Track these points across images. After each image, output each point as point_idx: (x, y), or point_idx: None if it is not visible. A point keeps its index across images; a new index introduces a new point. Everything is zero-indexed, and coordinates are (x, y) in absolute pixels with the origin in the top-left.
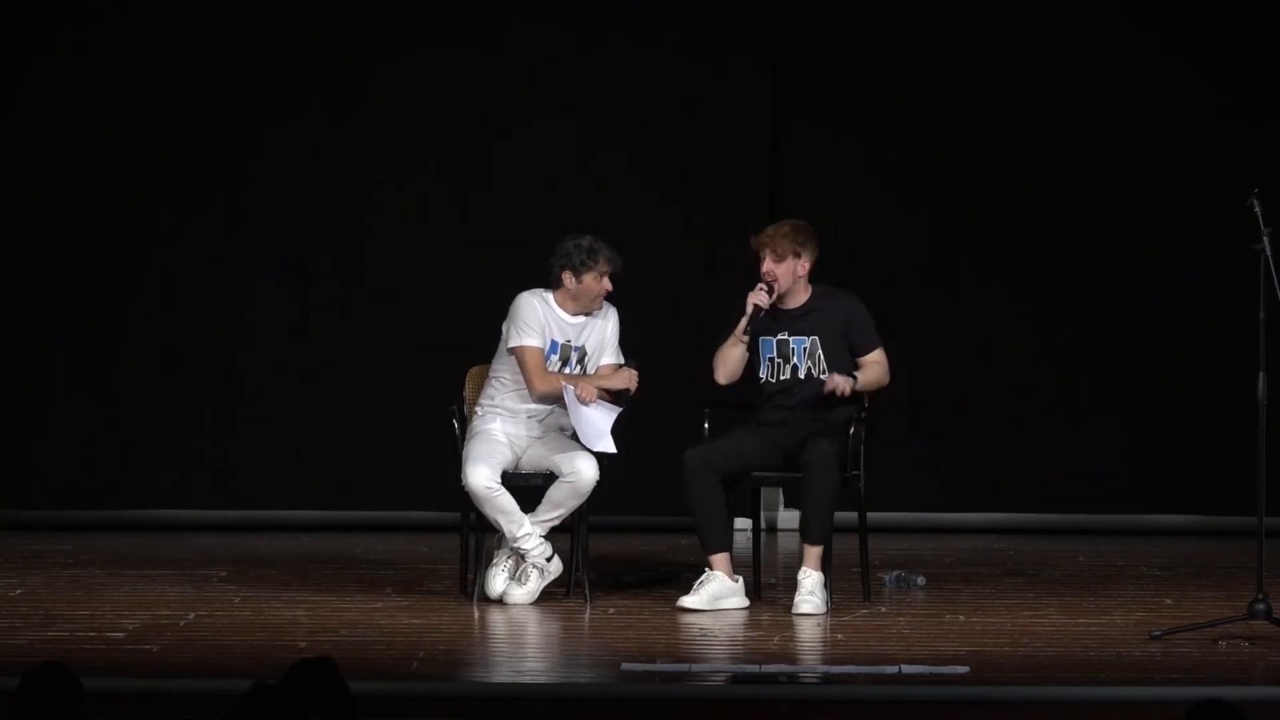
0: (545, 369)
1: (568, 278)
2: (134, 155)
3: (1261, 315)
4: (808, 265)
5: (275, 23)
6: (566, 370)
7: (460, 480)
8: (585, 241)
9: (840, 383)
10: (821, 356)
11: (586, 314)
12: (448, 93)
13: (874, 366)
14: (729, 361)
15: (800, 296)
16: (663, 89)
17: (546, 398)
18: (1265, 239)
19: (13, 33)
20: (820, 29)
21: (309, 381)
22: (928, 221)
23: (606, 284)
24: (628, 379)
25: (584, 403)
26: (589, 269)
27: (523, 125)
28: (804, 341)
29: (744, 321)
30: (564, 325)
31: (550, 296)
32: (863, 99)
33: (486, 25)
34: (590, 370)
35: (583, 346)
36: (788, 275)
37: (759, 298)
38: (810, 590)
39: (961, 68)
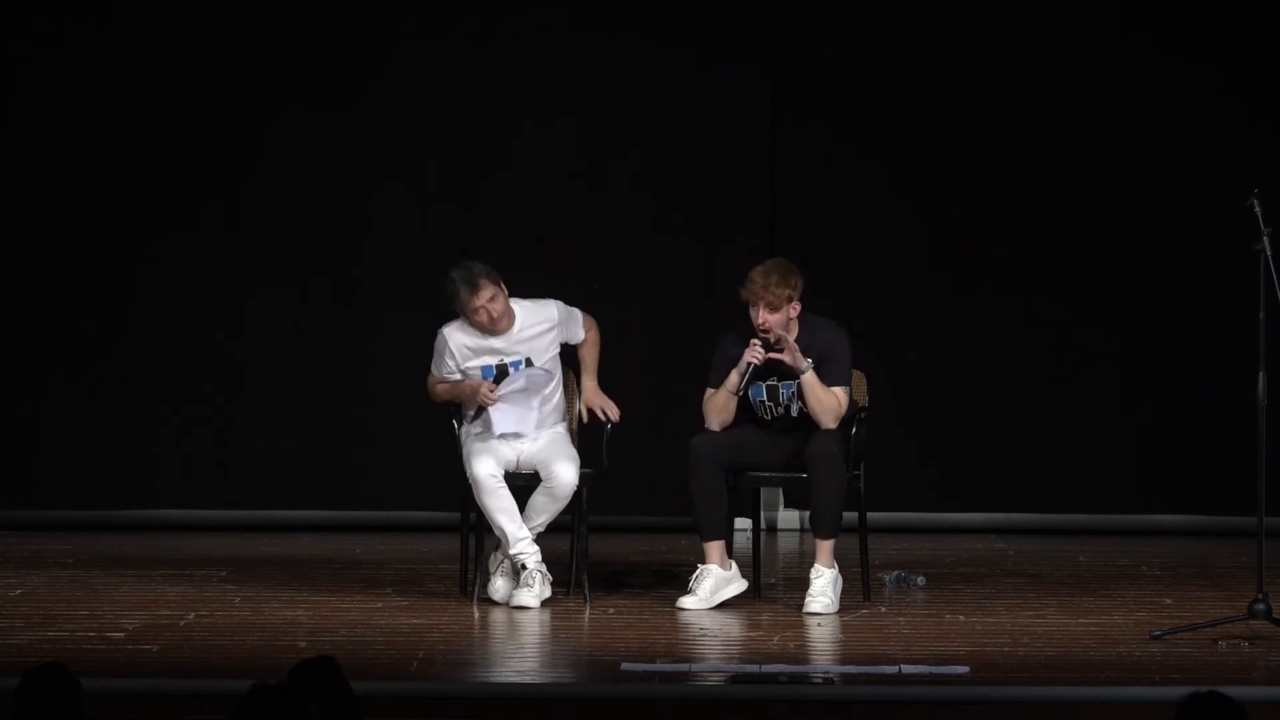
0: (435, 393)
1: (461, 316)
2: (134, 158)
3: (1261, 315)
4: (798, 306)
5: (276, 26)
6: (515, 373)
7: (464, 473)
8: (452, 276)
9: (790, 351)
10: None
11: (503, 332)
12: (449, 95)
13: (829, 395)
14: (722, 411)
15: (790, 336)
16: (663, 93)
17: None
18: (1265, 239)
19: (13, 41)
20: (819, 33)
21: (309, 381)
22: (927, 222)
23: (491, 310)
24: (482, 393)
25: (490, 403)
26: (463, 310)
27: (523, 126)
28: (791, 386)
29: (739, 379)
30: (491, 347)
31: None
32: (861, 102)
33: (487, 29)
34: (544, 360)
35: (525, 357)
36: (781, 323)
37: (755, 354)
38: (821, 590)
39: (960, 71)
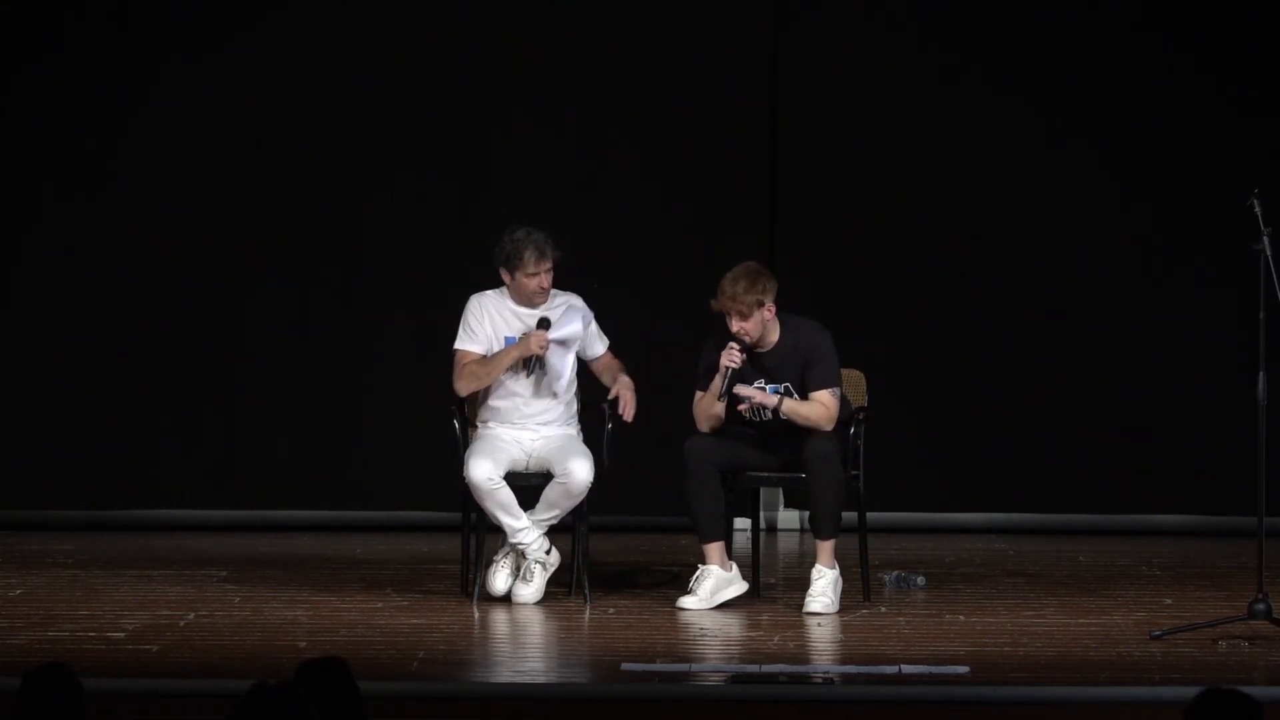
0: (468, 370)
1: (505, 275)
2: (132, 157)
3: (1261, 315)
4: (773, 306)
5: (273, 23)
6: (529, 368)
7: (462, 476)
8: (518, 235)
9: (754, 395)
10: (796, 399)
11: (533, 307)
12: (448, 92)
13: (815, 405)
14: (710, 417)
15: (771, 337)
16: (663, 88)
17: (469, 394)
18: (1265, 239)
19: (10, 37)
20: (819, 28)
21: (309, 381)
22: (928, 221)
23: (543, 280)
24: (536, 343)
25: (543, 349)
26: (516, 268)
27: (523, 125)
28: (778, 389)
29: (721, 383)
30: (519, 319)
31: (504, 293)
32: (862, 102)
33: (487, 25)
34: (566, 359)
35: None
36: (757, 327)
37: (732, 358)
38: (821, 590)
39: (960, 68)
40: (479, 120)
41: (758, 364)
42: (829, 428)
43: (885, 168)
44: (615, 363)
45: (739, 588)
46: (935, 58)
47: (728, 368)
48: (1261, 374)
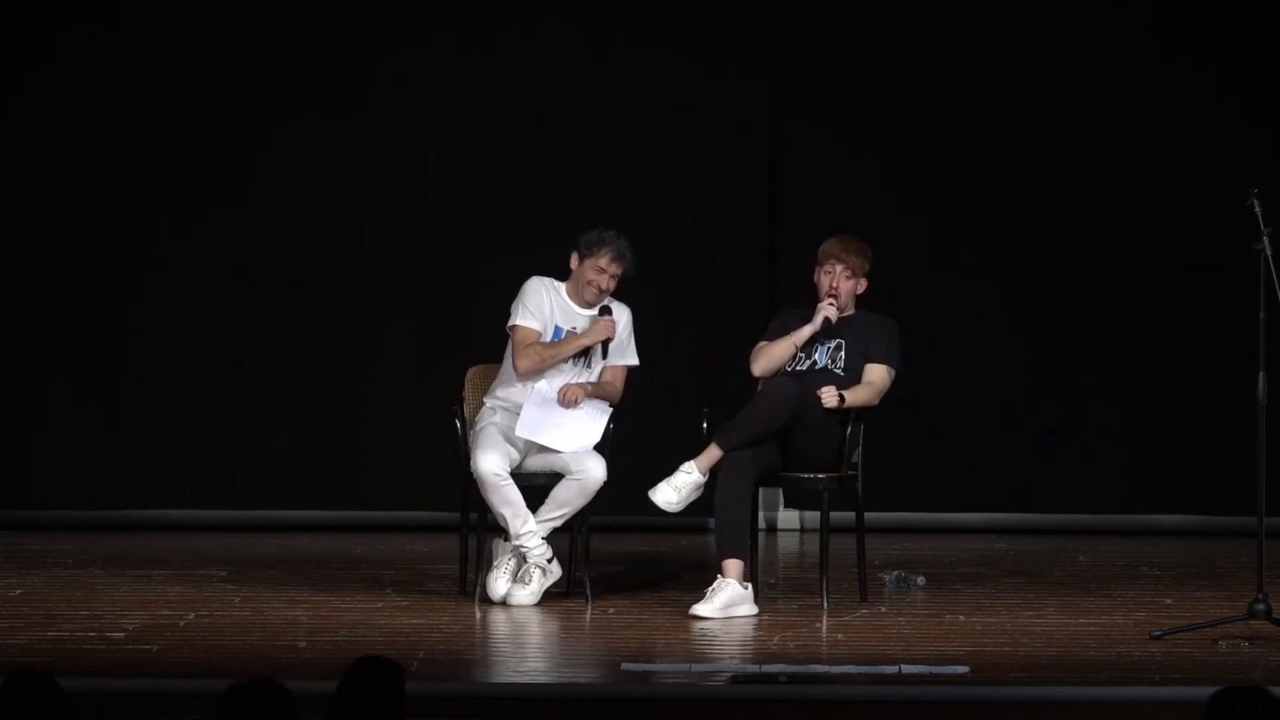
0: (533, 350)
1: (574, 259)
2: (133, 156)
3: (1261, 315)
4: (864, 283)
5: (275, 24)
6: (570, 364)
7: (469, 468)
8: (609, 233)
9: (828, 395)
10: (843, 357)
11: (588, 305)
12: (448, 93)
13: (865, 388)
14: (775, 361)
15: (850, 310)
16: (663, 89)
17: (529, 375)
18: (1265, 239)
19: (12, 37)
20: (819, 28)
21: (309, 381)
22: (927, 221)
23: (605, 280)
24: (606, 328)
25: (570, 405)
26: (590, 256)
27: (523, 126)
28: (830, 344)
29: (809, 331)
30: (570, 315)
31: (561, 286)
32: (862, 98)
33: (487, 28)
34: (595, 366)
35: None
36: (849, 293)
37: (831, 311)
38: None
39: (961, 68)
40: (479, 120)
41: (834, 327)
42: (875, 402)
43: (885, 168)
44: (618, 385)
45: (750, 609)
46: (935, 58)
47: (826, 318)
48: (1261, 374)
